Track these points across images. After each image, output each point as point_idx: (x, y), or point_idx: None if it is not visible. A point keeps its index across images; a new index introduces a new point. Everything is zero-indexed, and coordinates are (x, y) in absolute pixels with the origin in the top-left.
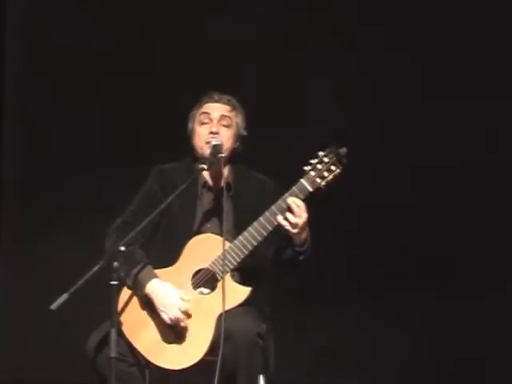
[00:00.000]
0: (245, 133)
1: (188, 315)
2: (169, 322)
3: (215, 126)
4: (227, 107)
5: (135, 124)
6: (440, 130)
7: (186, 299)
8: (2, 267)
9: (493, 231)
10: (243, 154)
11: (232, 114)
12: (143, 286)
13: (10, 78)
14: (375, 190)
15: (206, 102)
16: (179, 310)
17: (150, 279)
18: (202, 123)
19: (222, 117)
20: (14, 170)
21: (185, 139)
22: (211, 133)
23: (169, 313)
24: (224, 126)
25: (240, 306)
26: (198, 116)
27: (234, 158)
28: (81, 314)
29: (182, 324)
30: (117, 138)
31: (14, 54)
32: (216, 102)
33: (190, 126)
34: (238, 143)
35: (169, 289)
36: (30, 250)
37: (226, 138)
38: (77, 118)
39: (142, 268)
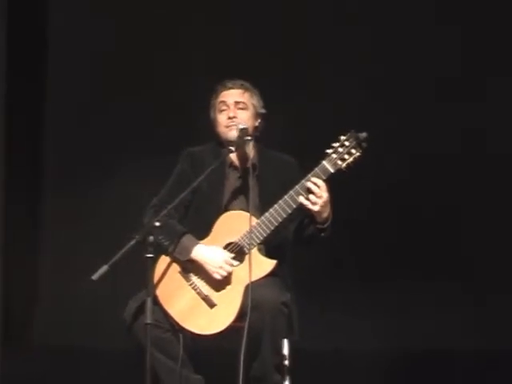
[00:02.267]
0: (263, 110)
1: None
2: (219, 277)
3: (232, 111)
4: (240, 91)
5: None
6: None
7: (230, 255)
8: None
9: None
10: (266, 132)
11: (246, 97)
12: (189, 251)
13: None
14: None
15: (221, 91)
16: (228, 268)
17: (195, 244)
18: (221, 110)
19: (237, 102)
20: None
21: None
22: (229, 118)
23: (217, 270)
24: (240, 108)
25: (266, 276)
26: (217, 105)
27: (256, 136)
28: (119, 284)
29: (224, 278)
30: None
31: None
32: (230, 89)
33: (211, 115)
34: (258, 121)
35: (215, 249)
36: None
37: (245, 120)
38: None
39: (185, 236)
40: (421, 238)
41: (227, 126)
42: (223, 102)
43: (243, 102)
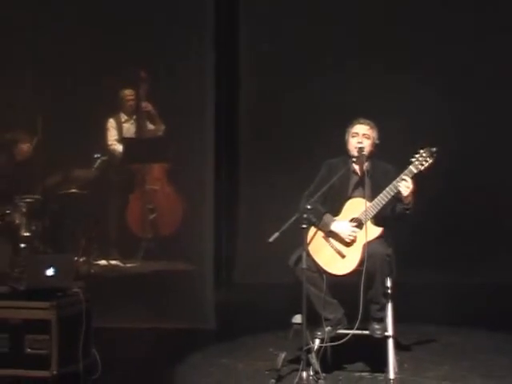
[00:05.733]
0: (377, 141)
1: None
2: (348, 240)
3: (360, 138)
4: (367, 127)
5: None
6: None
7: (354, 226)
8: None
9: None
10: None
11: (370, 131)
12: (329, 225)
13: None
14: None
15: (356, 124)
16: (352, 234)
17: (332, 221)
18: (353, 136)
19: (364, 134)
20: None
21: None
22: (358, 142)
23: (348, 236)
24: (365, 137)
25: (376, 238)
26: (351, 132)
27: (372, 155)
28: (285, 242)
29: (352, 240)
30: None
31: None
32: (361, 124)
33: (346, 137)
34: (374, 147)
35: (345, 223)
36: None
37: (367, 145)
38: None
39: (325, 215)
40: None
41: (355, 148)
42: (355, 131)
43: (368, 135)
